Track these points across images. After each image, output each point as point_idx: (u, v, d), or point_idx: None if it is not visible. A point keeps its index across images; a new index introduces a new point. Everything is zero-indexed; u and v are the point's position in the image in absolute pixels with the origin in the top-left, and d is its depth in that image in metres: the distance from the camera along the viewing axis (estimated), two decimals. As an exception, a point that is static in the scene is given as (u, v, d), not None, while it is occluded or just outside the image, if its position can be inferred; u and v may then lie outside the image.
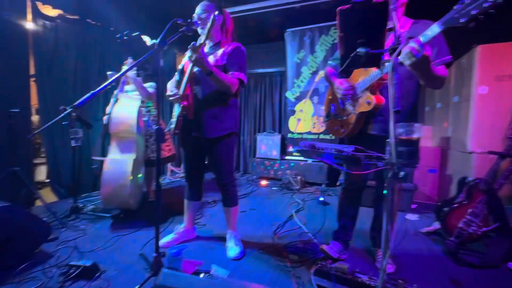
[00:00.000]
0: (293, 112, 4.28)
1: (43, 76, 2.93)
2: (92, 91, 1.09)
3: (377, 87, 1.44)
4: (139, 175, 2.50)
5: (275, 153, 4.34)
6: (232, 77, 1.66)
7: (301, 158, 4.10)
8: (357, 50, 1.01)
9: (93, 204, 2.77)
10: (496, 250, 1.75)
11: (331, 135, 3.89)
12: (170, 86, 1.78)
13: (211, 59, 1.69)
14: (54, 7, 2.98)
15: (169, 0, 3.44)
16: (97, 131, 3.32)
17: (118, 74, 1.37)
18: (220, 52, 1.72)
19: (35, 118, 3.18)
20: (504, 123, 2.44)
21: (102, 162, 2.37)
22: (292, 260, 1.76)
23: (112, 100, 2.49)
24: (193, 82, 1.70)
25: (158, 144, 1.42)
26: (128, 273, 1.58)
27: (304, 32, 4.11)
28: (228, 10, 1.83)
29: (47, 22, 2.94)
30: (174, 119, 1.75)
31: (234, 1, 3.61)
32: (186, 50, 1.56)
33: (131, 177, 2.27)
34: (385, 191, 0.94)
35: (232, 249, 1.81)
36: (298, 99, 4.24)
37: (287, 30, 4.22)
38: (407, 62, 1.11)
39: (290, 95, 4.30)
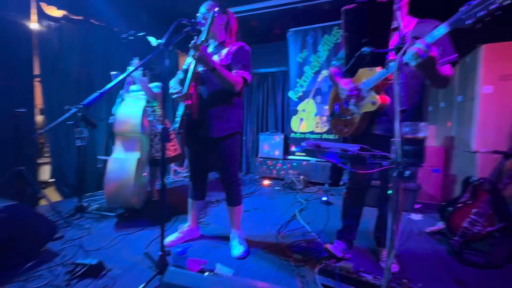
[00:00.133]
0: (296, 112, 4.28)
1: (48, 76, 2.95)
2: (100, 91, 1.10)
3: (382, 87, 1.44)
4: (144, 175, 2.52)
5: (278, 152, 4.34)
6: (236, 75, 1.67)
7: (304, 157, 4.09)
8: (362, 49, 1.01)
9: (97, 203, 2.79)
10: (501, 250, 1.74)
11: (334, 134, 3.89)
12: (174, 84, 1.79)
13: (215, 58, 1.70)
14: (59, 7, 3.00)
15: (173, 1, 3.46)
16: (101, 131, 3.34)
17: (124, 74, 1.38)
18: (224, 52, 1.73)
19: (39, 118, 3.20)
20: (509, 123, 2.43)
21: (107, 161, 2.39)
22: (296, 259, 1.76)
23: (118, 100, 2.52)
24: (197, 82, 1.71)
25: (163, 144, 1.43)
26: (133, 271, 1.60)
27: (307, 32, 4.11)
28: (231, 10, 1.84)
29: (51, 22, 2.96)
30: (178, 118, 1.76)
31: (237, 1, 3.62)
32: (188, 49, 1.57)
33: (135, 176, 2.28)
34: (389, 191, 0.94)
35: (237, 248, 1.82)
36: (301, 98, 4.23)
37: (290, 30, 4.22)
38: (413, 63, 1.11)
39: (292, 94, 4.30)
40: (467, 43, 2.56)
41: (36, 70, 2.87)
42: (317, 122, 4.12)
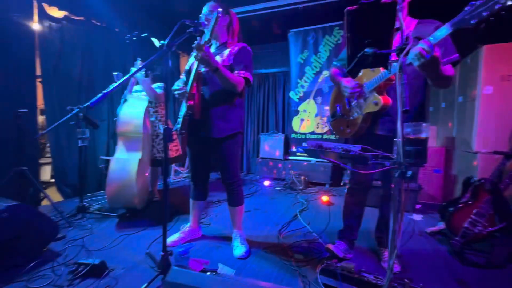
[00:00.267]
0: (297, 112, 4.29)
1: (49, 77, 2.96)
2: (104, 91, 1.10)
3: (384, 88, 1.45)
4: (145, 175, 2.52)
5: (279, 153, 4.35)
6: (238, 76, 1.68)
7: (305, 158, 4.10)
8: (365, 50, 1.01)
9: (98, 204, 2.80)
10: (502, 250, 1.74)
11: (335, 135, 3.90)
12: (177, 83, 1.80)
13: (217, 59, 1.70)
14: (60, 8, 3.01)
15: (174, 1, 3.46)
16: (103, 131, 3.35)
17: (128, 75, 1.38)
18: (226, 52, 1.73)
19: (40, 118, 3.21)
20: (509, 123, 2.43)
21: (109, 161, 2.39)
22: (297, 259, 1.77)
23: (122, 101, 2.53)
24: (200, 82, 1.71)
25: (165, 144, 1.44)
26: (135, 271, 1.60)
27: (308, 32, 4.12)
28: (233, 10, 1.84)
29: (53, 23, 2.96)
30: (180, 119, 1.77)
31: (239, 2, 3.62)
32: (189, 50, 1.58)
33: (137, 177, 2.29)
34: (391, 191, 0.95)
35: (238, 248, 1.83)
36: (302, 99, 4.24)
37: (291, 30, 4.23)
38: (416, 63, 1.11)
39: (293, 95, 4.31)
40: (468, 44, 2.57)
41: (37, 71, 2.88)
42: (318, 123, 4.13)
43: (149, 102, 2.60)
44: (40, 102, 2.95)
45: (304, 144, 4.16)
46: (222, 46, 1.80)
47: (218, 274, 1.47)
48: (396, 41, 1.25)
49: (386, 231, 1.71)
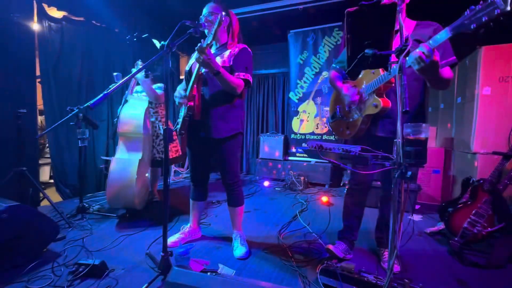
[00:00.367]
0: (296, 113, 4.29)
1: (49, 77, 2.96)
2: (105, 92, 1.11)
3: (384, 90, 1.45)
4: (145, 175, 2.52)
5: (278, 153, 4.35)
6: (238, 78, 1.68)
7: (304, 158, 4.11)
8: (365, 51, 1.02)
9: (98, 204, 2.80)
10: (502, 250, 1.75)
11: (334, 136, 3.91)
12: (180, 88, 1.81)
13: (218, 60, 1.71)
14: (60, 8, 3.01)
15: (173, 2, 3.47)
16: (102, 131, 3.35)
17: (129, 76, 1.38)
18: (227, 53, 1.74)
19: (39, 118, 3.20)
20: (508, 124, 2.45)
21: (109, 161, 2.40)
22: (297, 259, 1.77)
23: (123, 101, 2.53)
24: (200, 83, 1.72)
25: (166, 145, 1.44)
26: (135, 272, 1.60)
27: (307, 33, 4.13)
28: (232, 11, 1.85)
29: (52, 23, 2.97)
30: (180, 120, 1.77)
31: (238, 3, 3.63)
32: (189, 51, 1.58)
33: (137, 177, 2.29)
34: (390, 192, 0.95)
35: (238, 248, 1.83)
36: (301, 100, 4.25)
37: (290, 31, 4.24)
38: (416, 67, 1.12)
39: (293, 96, 4.32)
40: (466, 45, 2.58)
41: (37, 71, 2.88)
42: (317, 123, 4.14)
43: (149, 102, 2.61)
44: (39, 103, 2.95)
45: (304, 144, 4.18)
46: (222, 47, 1.81)
47: (218, 275, 1.47)
48: (395, 42, 1.26)
49: (386, 231, 1.72)
